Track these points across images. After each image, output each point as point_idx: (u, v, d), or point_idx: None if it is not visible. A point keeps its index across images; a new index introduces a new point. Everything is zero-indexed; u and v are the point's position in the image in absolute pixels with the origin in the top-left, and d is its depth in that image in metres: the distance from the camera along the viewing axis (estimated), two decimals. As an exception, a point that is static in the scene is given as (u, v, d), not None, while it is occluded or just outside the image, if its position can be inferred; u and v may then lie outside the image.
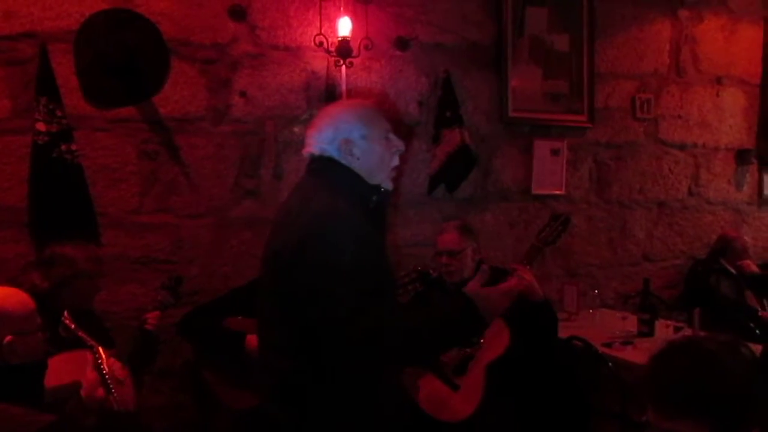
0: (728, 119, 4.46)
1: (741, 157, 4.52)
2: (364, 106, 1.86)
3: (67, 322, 2.10)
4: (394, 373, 1.81)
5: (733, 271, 4.06)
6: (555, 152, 3.88)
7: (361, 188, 1.70)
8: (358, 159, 1.68)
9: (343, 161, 1.68)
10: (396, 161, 1.76)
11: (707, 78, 4.36)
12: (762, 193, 4.63)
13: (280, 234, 1.66)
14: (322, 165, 1.70)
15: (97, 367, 2.00)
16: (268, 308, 1.69)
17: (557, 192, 3.92)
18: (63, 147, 2.75)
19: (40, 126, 2.71)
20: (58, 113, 2.74)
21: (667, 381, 1.23)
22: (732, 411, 1.18)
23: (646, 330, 3.25)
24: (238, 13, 3.12)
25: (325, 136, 1.70)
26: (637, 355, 2.93)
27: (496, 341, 2.60)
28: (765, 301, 4.04)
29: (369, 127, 1.71)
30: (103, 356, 2.06)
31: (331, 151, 1.69)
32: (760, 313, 3.88)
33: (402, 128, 3.35)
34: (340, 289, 1.52)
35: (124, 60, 2.87)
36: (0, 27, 2.73)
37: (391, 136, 1.75)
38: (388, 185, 1.76)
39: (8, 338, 1.59)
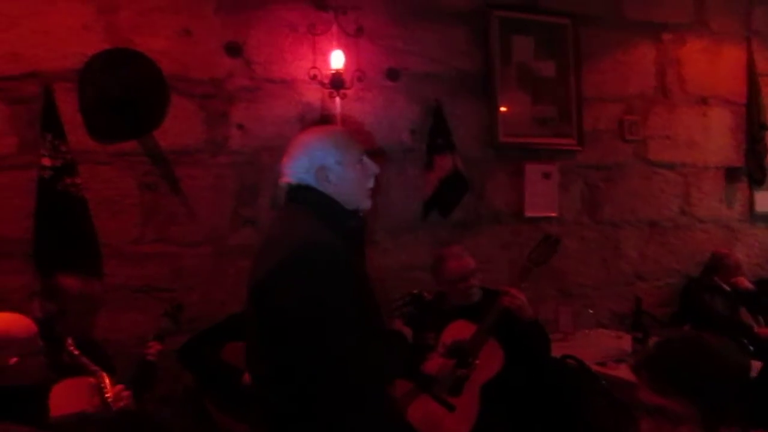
0: (716, 138, 4.53)
1: (730, 175, 4.58)
2: (336, 131, 1.91)
3: (71, 348, 2.17)
4: (385, 396, 1.84)
5: (726, 288, 4.09)
6: (546, 175, 3.95)
7: (340, 214, 1.72)
8: (334, 185, 1.71)
9: (320, 188, 1.71)
10: (371, 183, 1.79)
11: (693, 99, 4.44)
12: (753, 210, 4.68)
13: (262, 265, 1.68)
14: (300, 194, 1.72)
15: (100, 393, 2.07)
16: (252, 339, 1.72)
17: (550, 214, 3.98)
18: (67, 180, 2.83)
19: (45, 161, 2.80)
20: (63, 148, 2.83)
21: (670, 360, 1.34)
22: (722, 400, 1.28)
23: (640, 348, 3.29)
24: (234, 50, 3.23)
25: (300, 164, 1.72)
26: (630, 373, 2.96)
27: (490, 362, 2.65)
28: (759, 318, 4.08)
29: (343, 152, 1.74)
30: (107, 381, 2.12)
31: (308, 180, 1.71)
32: (754, 330, 3.92)
33: (381, 154, 3.42)
34: (322, 318, 1.55)
35: (124, 96, 2.97)
36: (7, 68, 2.85)
37: (365, 159, 1.78)
38: (366, 205, 1.79)
39: (13, 360, 1.66)
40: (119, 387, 2.21)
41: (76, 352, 2.19)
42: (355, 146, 1.79)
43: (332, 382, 1.57)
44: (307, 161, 1.72)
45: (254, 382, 1.79)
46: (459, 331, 2.75)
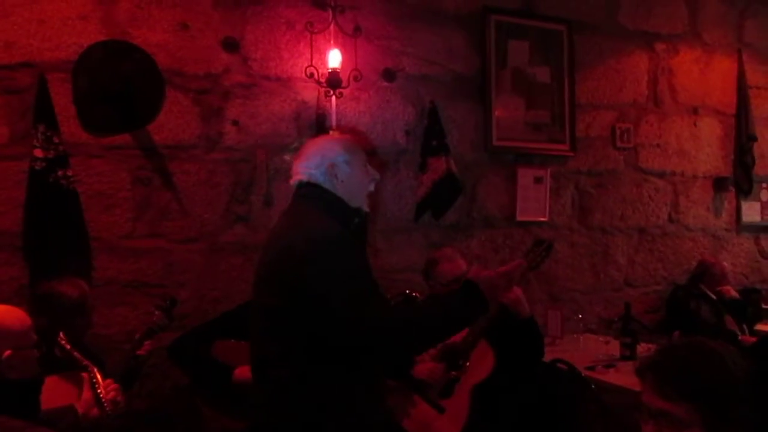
0: (705, 148, 4.58)
1: (718, 184, 4.64)
2: (345, 138, 2.11)
3: (63, 342, 2.15)
4: (383, 392, 1.93)
5: (712, 296, 4.14)
6: (538, 180, 3.98)
7: (345, 210, 1.87)
8: (342, 182, 1.86)
9: (328, 185, 1.85)
10: (371, 188, 1.96)
11: (684, 108, 4.49)
12: (740, 219, 4.74)
13: (273, 256, 1.79)
14: (310, 190, 1.86)
15: (93, 387, 2.05)
16: (263, 326, 1.80)
17: (541, 219, 4.01)
18: (59, 173, 2.81)
19: (38, 152, 2.77)
20: (55, 140, 2.81)
21: (674, 366, 1.35)
22: (725, 406, 1.30)
23: (628, 353, 3.31)
24: (231, 45, 3.22)
25: (312, 161, 1.87)
26: (620, 377, 2.99)
27: (481, 364, 2.65)
28: (744, 326, 4.13)
29: (351, 154, 1.91)
30: (98, 376, 2.10)
31: (318, 176, 1.86)
32: (739, 337, 3.96)
33: (376, 159, 3.42)
34: (350, 291, 1.67)
35: (119, 89, 2.95)
36: (0, 57, 2.81)
37: (368, 166, 1.96)
38: (365, 208, 1.94)
39: (7, 353, 1.64)
40: (109, 381, 2.19)
41: (68, 347, 2.17)
42: (361, 153, 1.96)
43: (362, 353, 1.71)
44: (319, 158, 1.87)
45: (261, 368, 1.82)
46: (451, 333, 2.74)
